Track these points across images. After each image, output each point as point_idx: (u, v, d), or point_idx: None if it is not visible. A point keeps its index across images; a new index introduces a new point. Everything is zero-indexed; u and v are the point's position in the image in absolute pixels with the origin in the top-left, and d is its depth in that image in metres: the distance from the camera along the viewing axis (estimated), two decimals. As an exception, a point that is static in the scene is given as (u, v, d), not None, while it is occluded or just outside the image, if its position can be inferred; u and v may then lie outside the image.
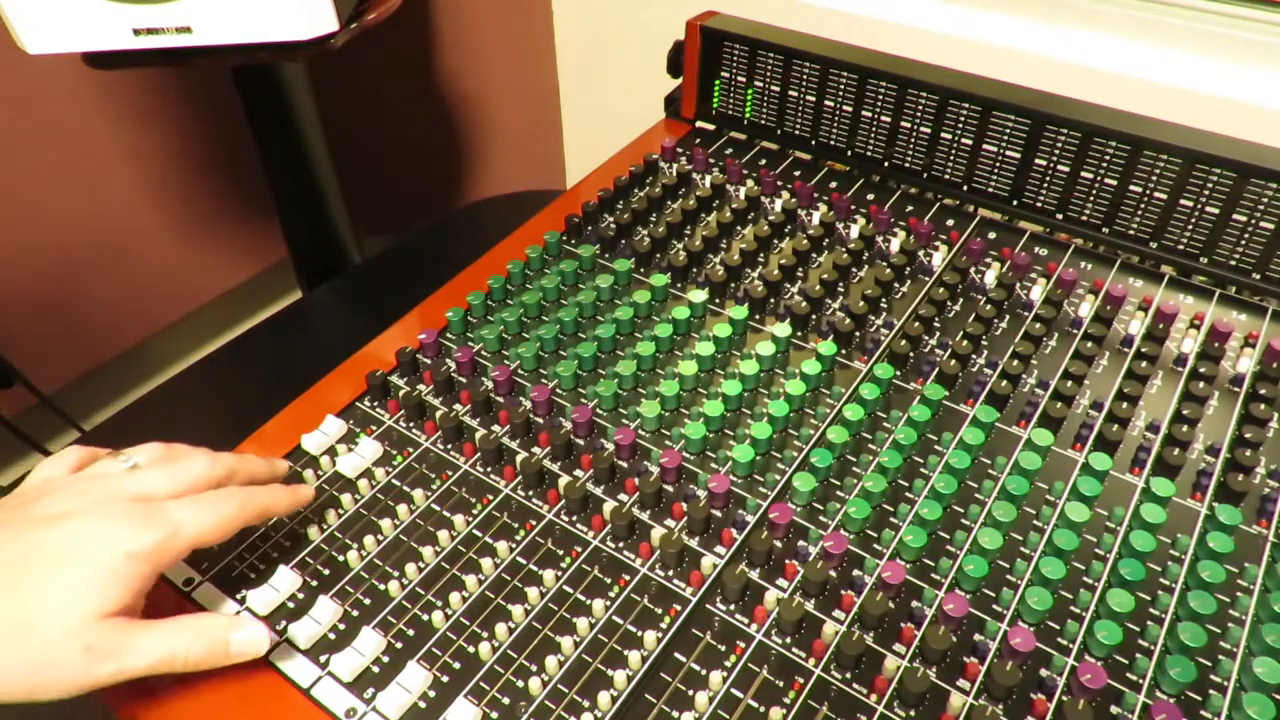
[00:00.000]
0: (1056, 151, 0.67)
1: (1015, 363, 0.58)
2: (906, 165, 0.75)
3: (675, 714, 0.43)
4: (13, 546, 0.39)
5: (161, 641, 0.41)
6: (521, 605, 0.47)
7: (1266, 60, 0.89)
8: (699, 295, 0.64)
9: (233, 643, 0.43)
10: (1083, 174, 0.67)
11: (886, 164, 0.76)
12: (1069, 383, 0.57)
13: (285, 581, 0.48)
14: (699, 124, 0.85)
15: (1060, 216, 0.69)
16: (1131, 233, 0.67)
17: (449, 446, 0.56)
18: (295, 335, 0.99)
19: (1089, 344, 0.60)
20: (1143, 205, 0.66)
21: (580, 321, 0.64)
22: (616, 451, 0.54)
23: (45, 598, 0.38)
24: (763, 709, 0.43)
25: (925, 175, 0.74)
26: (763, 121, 0.80)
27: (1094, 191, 0.67)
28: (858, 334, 0.62)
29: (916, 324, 0.62)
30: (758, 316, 0.64)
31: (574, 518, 0.52)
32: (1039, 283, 0.66)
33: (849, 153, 0.77)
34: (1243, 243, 0.63)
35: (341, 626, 0.47)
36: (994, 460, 0.54)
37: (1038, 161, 0.68)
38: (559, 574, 0.49)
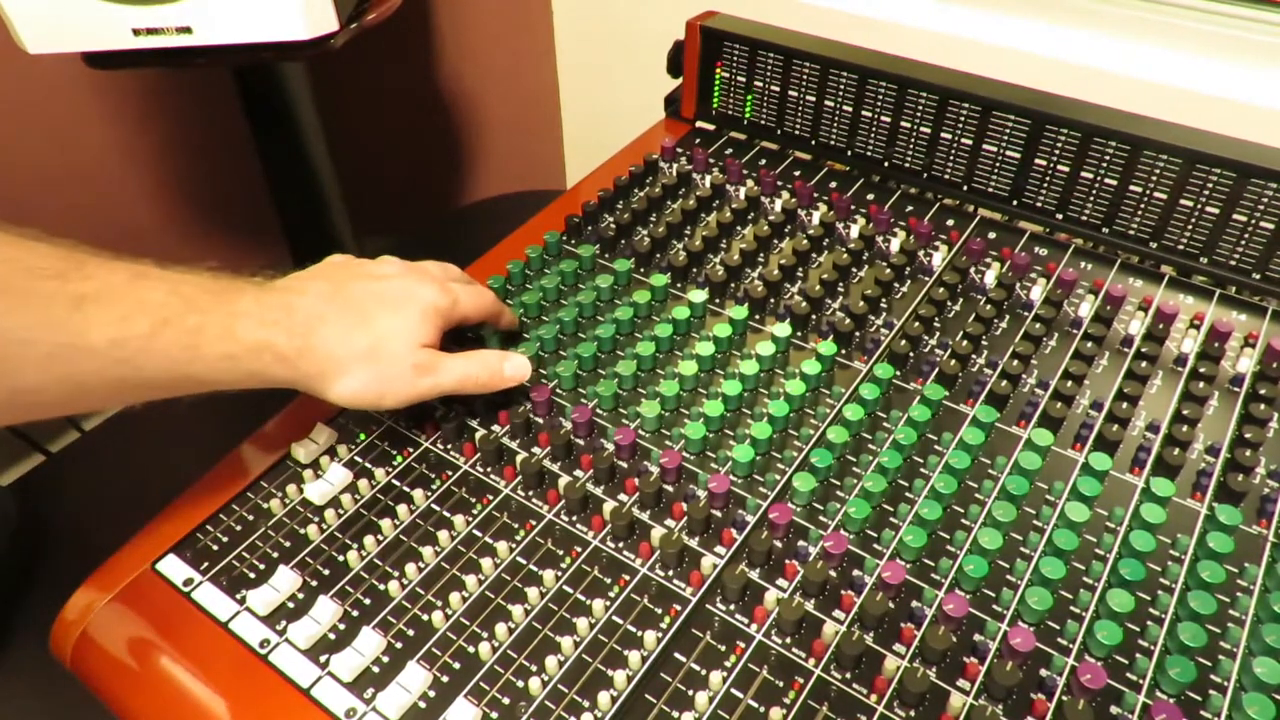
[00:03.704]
0: (1056, 151, 0.67)
1: (1015, 363, 0.58)
2: (906, 165, 0.75)
3: (675, 714, 0.43)
4: (360, 294, 0.52)
5: (461, 365, 0.53)
6: (521, 605, 0.47)
7: (1266, 60, 0.89)
8: (699, 295, 0.64)
9: (505, 369, 0.55)
10: (1083, 174, 0.67)
11: (886, 164, 0.76)
12: (1069, 383, 0.57)
13: (285, 581, 0.48)
14: (699, 124, 0.85)
15: (1060, 216, 0.69)
16: (1131, 233, 0.67)
17: (449, 447, 0.56)
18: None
19: (1089, 344, 0.60)
20: (1143, 205, 0.66)
21: (580, 321, 0.64)
22: (616, 451, 0.54)
23: (388, 329, 0.51)
24: (763, 709, 0.43)
25: (925, 175, 0.74)
26: (763, 121, 0.80)
27: (1094, 191, 0.67)
28: (858, 334, 0.62)
29: (916, 324, 0.62)
30: (758, 316, 0.64)
31: (574, 518, 0.52)
32: (1039, 283, 0.66)
33: (849, 153, 0.77)
34: (1243, 243, 0.63)
35: (341, 626, 0.47)
36: (994, 460, 0.54)
37: (1038, 161, 0.68)
38: (559, 574, 0.49)
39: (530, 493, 0.53)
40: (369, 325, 0.50)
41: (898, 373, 0.59)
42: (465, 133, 1.56)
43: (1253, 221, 0.62)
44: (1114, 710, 0.42)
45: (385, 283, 0.53)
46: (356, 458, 0.55)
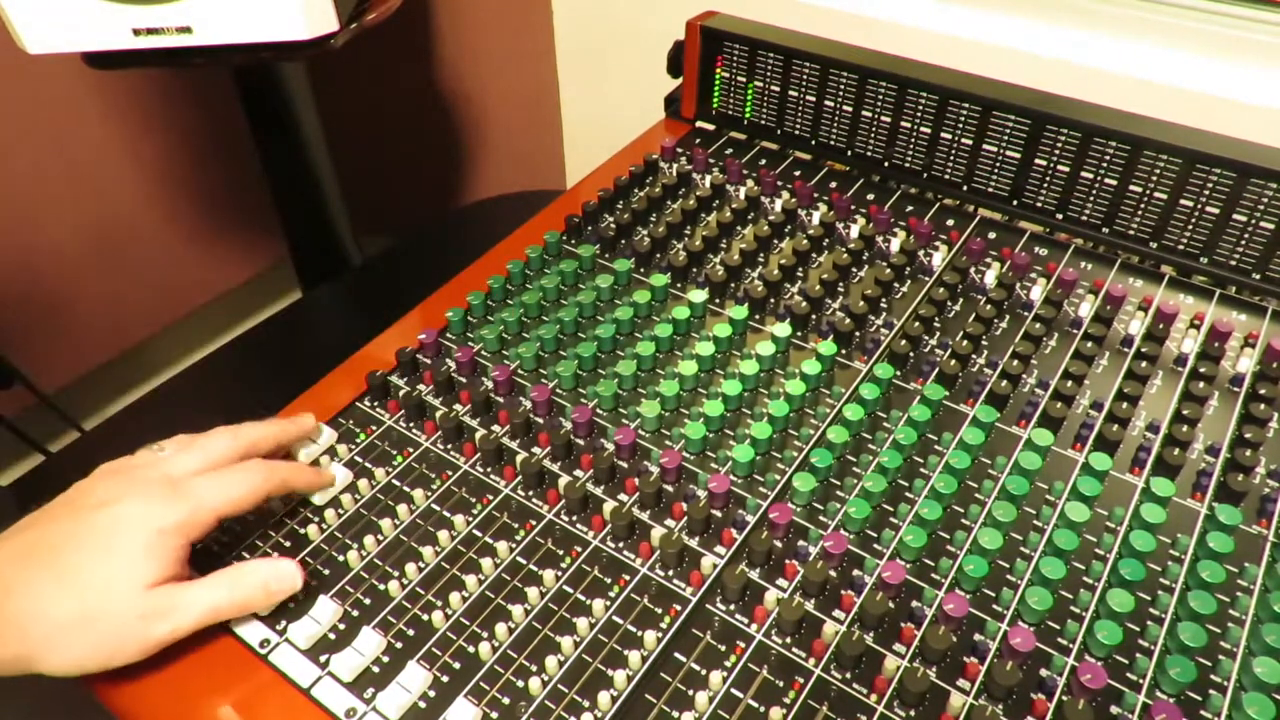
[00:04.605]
0: (1056, 151, 0.67)
1: (1015, 363, 0.58)
2: (906, 165, 0.75)
3: (675, 714, 0.43)
4: (61, 540, 0.44)
5: (204, 596, 0.45)
6: (521, 605, 0.47)
7: (1266, 60, 0.89)
8: (699, 295, 0.64)
9: (268, 586, 0.46)
10: (1083, 174, 0.67)
11: (886, 164, 0.76)
12: (1069, 383, 0.57)
13: (285, 581, 0.48)
14: (699, 124, 0.85)
15: (1060, 216, 0.69)
16: (1131, 233, 0.67)
17: (449, 446, 0.56)
18: (295, 335, 0.99)
19: (1089, 344, 0.60)
20: (1143, 205, 0.66)
21: (580, 321, 0.64)
22: (616, 451, 0.54)
23: (96, 582, 0.43)
24: (763, 709, 0.43)
25: (925, 175, 0.74)
26: (763, 121, 0.80)
27: (1094, 191, 0.67)
28: (858, 334, 0.62)
29: (916, 324, 0.62)
30: (758, 316, 0.64)
31: (574, 518, 0.52)
32: (1039, 283, 0.66)
33: (849, 153, 0.77)
34: (1243, 243, 0.63)
35: (341, 626, 0.47)
36: (994, 460, 0.54)
37: (1038, 161, 0.68)
38: (559, 574, 0.49)
39: (530, 493, 0.53)
40: (73, 582, 0.43)
41: (898, 373, 0.59)
42: (465, 133, 1.56)
43: (1253, 221, 0.62)
44: (1114, 710, 0.42)
45: (98, 514, 0.45)
46: (356, 458, 0.55)
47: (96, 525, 0.45)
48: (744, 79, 0.80)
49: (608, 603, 0.47)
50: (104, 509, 0.45)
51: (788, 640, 0.45)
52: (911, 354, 0.60)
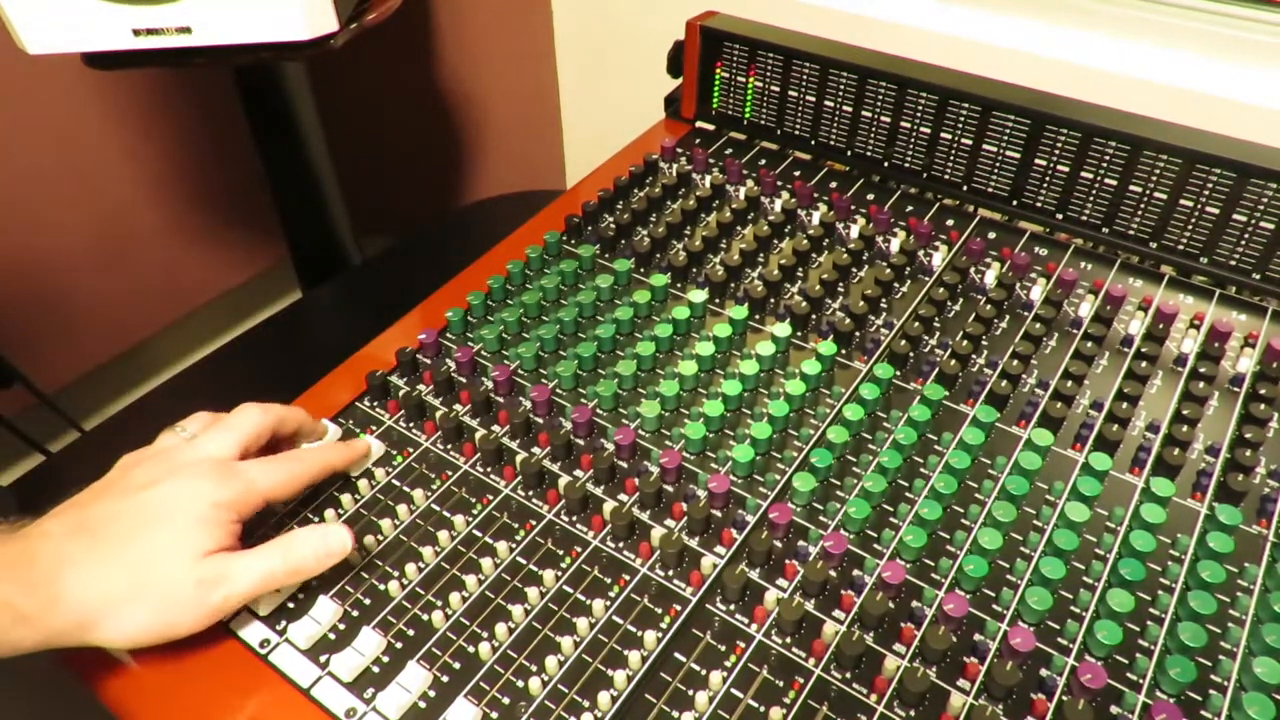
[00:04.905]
0: (1056, 151, 0.67)
1: (1015, 363, 0.58)
2: (906, 165, 0.75)
3: (675, 714, 0.43)
4: (115, 516, 0.45)
5: (257, 564, 0.45)
6: (521, 605, 0.47)
7: (1266, 60, 0.89)
8: (699, 295, 0.64)
9: (319, 551, 0.47)
10: (1083, 174, 0.67)
11: (886, 164, 0.76)
12: (1069, 383, 0.57)
13: (285, 581, 0.48)
14: (699, 124, 0.85)
15: (1060, 216, 0.69)
16: (1131, 233, 0.67)
17: (449, 446, 0.56)
18: (295, 335, 0.99)
19: (1089, 344, 0.60)
20: (1143, 205, 0.66)
21: (580, 321, 0.64)
22: (616, 451, 0.54)
23: (154, 550, 0.44)
24: (763, 709, 0.43)
25: (925, 175, 0.74)
26: (762, 121, 0.80)
27: (1094, 191, 0.67)
28: (858, 334, 0.62)
29: (916, 324, 0.62)
30: (758, 316, 0.64)
31: (574, 518, 0.52)
32: (1039, 283, 0.66)
33: (849, 153, 0.77)
34: (1243, 243, 0.63)
35: (341, 626, 0.47)
36: (994, 460, 0.54)
37: (1038, 161, 0.68)
38: (559, 574, 0.49)
39: (530, 493, 0.53)
40: (127, 554, 0.43)
41: (898, 373, 0.59)
42: (465, 133, 1.56)
43: (1253, 221, 0.62)
44: (1114, 710, 0.42)
45: (147, 493, 0.45)
46: (356, 458, 0.55)
47: (148, 502, 0.45)
48: (744, 79, 0.80)
49: (608, 603, 0.47)
50: (153, 487, 0.46)
51: (788, 640, 0.45)
52: (911, 354, 0.60)
